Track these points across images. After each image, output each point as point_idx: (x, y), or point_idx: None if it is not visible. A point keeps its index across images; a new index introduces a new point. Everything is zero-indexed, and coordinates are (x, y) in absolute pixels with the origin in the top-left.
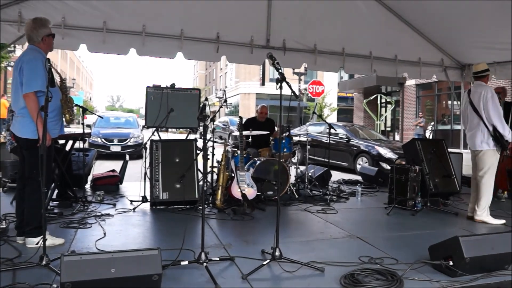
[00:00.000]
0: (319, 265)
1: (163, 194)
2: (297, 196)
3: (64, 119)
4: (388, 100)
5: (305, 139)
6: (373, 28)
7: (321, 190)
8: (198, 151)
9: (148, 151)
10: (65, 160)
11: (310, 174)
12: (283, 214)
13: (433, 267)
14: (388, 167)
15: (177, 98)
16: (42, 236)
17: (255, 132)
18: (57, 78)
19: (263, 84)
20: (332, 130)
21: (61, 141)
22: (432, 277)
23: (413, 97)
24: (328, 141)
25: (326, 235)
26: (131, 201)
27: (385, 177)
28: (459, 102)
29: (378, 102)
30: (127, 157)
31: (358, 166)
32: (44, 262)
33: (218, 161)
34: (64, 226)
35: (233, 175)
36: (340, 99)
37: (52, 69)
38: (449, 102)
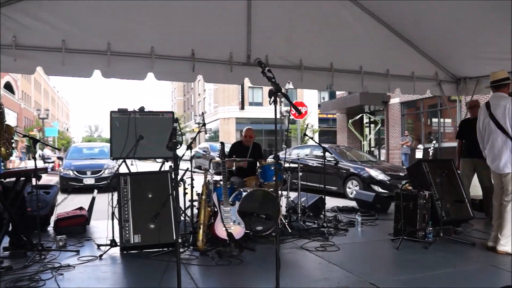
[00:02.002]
0: None
1: (135, 236)
2: (290, 230)
3: None
4: (374, 119)
5: (294, 164)
6: (363, 41)
7: (315, 221)
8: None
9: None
10: (15, 200)
11: (302, 203)
12: (274, 254)
13: None
14: (381, 190)
15: (147, 124)
16: None
17: (240, 160)
18: None
19: (242, 108)
20: (318, 153)
21: (11, 179)
22: None
23: (398, 116)
24: (320, 165)
25: (333, 282)
26: (98, 246)
27: (383, 202)
28: (445, 120)
29: (364, 121)
30: (95, 192)
31: (348, 190)
32: None
33: (198, 194)
34: (11, 287)
35: (216, 210)
36: (321, 120)
37: None
38: (434, 120)
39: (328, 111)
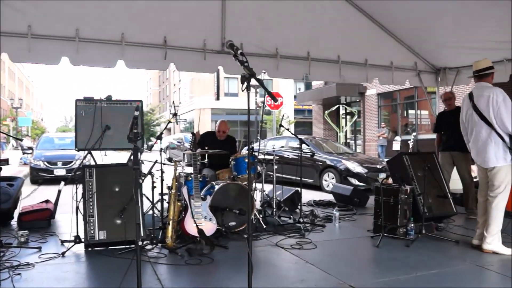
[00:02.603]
0: None
1: (100, 233)
2: (264, 226)
3: None
4: (351, 110)
5: (269, 156)
6: (341, 29)
7: (291, 216)
8: (143, 177)
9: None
10: None
11: (277, 197)
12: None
13: None
14: (357, 183)
15: (114, 113)
16: None
17: (212, 151)
18: None
19: (218, 98)
20: (294, 144)
21: None
22: None
23: (375, 107)
24: (296, 157)
25: (310, 284)
26: (62, 242)
27: (361, 196)
28: (421, 111)
29: (340, 113)
30: (62, 185)
31: (325, 183)
32: None
33: (168, 187)
34: None
35: (186, 205)
36: (296, 111)
37: None
38: (411, 111)
39: (304, 102)
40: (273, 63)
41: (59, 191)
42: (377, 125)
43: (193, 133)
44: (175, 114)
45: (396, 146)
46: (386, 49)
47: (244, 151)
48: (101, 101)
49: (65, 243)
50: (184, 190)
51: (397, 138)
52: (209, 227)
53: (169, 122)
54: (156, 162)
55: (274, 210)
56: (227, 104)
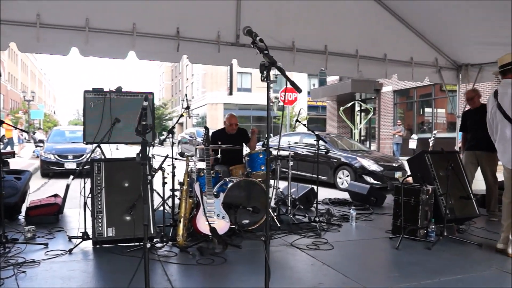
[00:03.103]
0: None
1: (108, 230)
2: (279, 225)
3: None
4: (366, 107)
5: (285, 152)
6: (360, 23)
7: (306, 214)
8: (153, 172)
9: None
10: None
11: (292, 194)
12: (262, 252)
13: None
14: (373, 181)
15: (124, 105)
16: None
17: (226, 146)
18: None
19: (230, 93)
20: (309, 141)
21: None
22: None
23: (390, 104)
24: (311, 154)
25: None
26: (70, 238)
27: (378, 195)
28: (437, 109)
29: (355, 109)
30: (70, 179)
31: (339, 180)
32: None
33: (180, 183)
34: None
35: (198, 202)
36: (310, 108)
37: None
38: (427, 109)
39: (318, 98)
40: (289, 57)
41: (68, 186)
42: (392, 122)
43: (206, 127)
44: (187, 108)
45: (412, 145)
46: (406, 44)
47: (259, 147)
48: (110, 92)
49: (72, 240)
50: (196, 187)
51: (414, 136)
52: (222, 225)
53: (181, 116)
54: (167, 156)
55: (289, 208)
56: (240, 99)
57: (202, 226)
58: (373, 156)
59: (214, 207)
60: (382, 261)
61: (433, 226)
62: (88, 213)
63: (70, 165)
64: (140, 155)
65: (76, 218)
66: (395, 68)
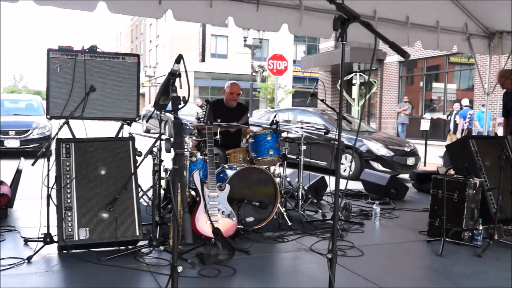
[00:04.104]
0: None
1: (81, 231)
2: (289, 223)
3: None
4: (370, 80)
5: (296, 134)
6: None
7: (320, 209)
8: (138, 157)
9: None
10: None
11: (303, 186)
12: (278, 259)
13: None
14: (381, 168)
15: (101, 70)
16: None
17: (227, 125)
18: None
19: (203, 60)
20: (306, 118)
21: None
22: None
23: (395, 77)
24: (311, 135)
25: None
26: (26, 241)
27: (400, 187)
28: (447, 85)
29: (355, 82)
30: (21, 162)
31: (341, 166)
32: None
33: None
34: None
35: (195, 196)
36: (295, 79)
37: None
38: (435, 85)
39: (310, 68)
40: (295, 16)
41: (19, 172)
42: (396, 99)
43: (207, 101)
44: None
45: (425, 126)
46: (431, 6)
47: (264, 126)
48: (83, 52)
49: (30, 243)
50: (196, 176)
51: (426, 115)
52: (228, 226)
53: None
54: (159, 138)
55: (301, 202)
56: (214, 67)
57: (203, 226)
58: (381, 138)
59: (218, 203)
60: (428, 271)
61: (481, 228)
62: (53, 209)
63: (12, 142)
64: (173, 141)
65: (31, 213)
66: (419, 34)
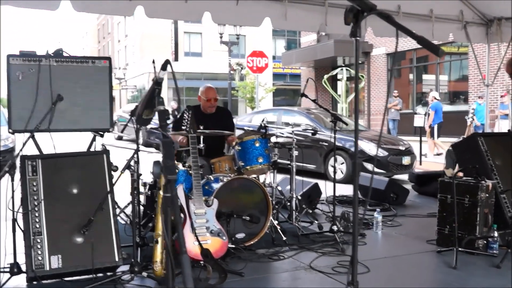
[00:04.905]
0: None
1: (52, 259)
2: (284, 238)
3: None
4: (359, 74)
5: (284, 138)
6: None
7: (316, 219)
8: (113, 172)
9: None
10: None
11: (296, 195)
12: (275, 281)
13: None
14: (375, 170)
15: (68, 76)
16: None
17: (210, 132)
18: None
19: (176, 59)
20: (291, 119)
21: None
22: None
23: (383, 71)
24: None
25: None
26: None
27: (399, 191)
28: (439, 77)
29: (340, 78)
30: None
31: (331, 169)
32: None
33: (145, 184)
34: None
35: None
36: (275, 76)
37: None
38: (426, 77)
39: (291, 64)
40: (278, 9)
41: None
42: (385, 93)
43: (188, 107)
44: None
45: (419, 122)
46: None
47: (247, 130)
48: (48, 57)
49: None
50: (180, 190)
51: (419, 110)
52: (218, 245)
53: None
54: (137, 150)
55: (295, 214)
56: (188, 66)
57: (190, 247)
58: (373, 137)
59: (206, 220)
60: (443, 286)
61: (496, 235)
62: (20, 235)
63: None
64: (163, 164)
65: None
66: (411, 23)
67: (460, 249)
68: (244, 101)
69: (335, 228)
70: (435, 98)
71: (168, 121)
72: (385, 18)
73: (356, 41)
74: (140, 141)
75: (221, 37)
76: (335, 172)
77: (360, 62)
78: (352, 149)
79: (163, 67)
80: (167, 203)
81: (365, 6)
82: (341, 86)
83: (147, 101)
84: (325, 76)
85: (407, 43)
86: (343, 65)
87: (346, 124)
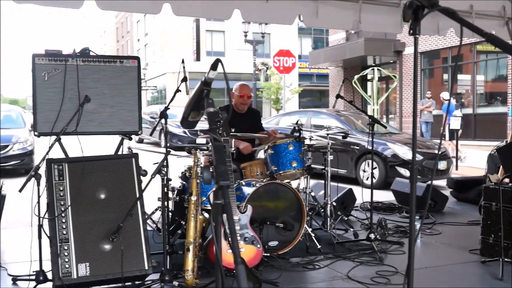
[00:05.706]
0: None
1: (79, 267)
2: (318, 246)
3: None
4: (389, 75)
5: (315, 141)
6: None
7: (351, 227)
8: (142, 176)
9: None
10: None
11: (332, 201)
12: None
13: None
14: (409, 174)
15: (96, 77)
16: None
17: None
18: None
19: (198, 59)
20: (321, 122)
21: None
22: None
23: (417, 71)
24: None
25: None
26: (15, 280)
27: (438, 197)
28: (476, 77)
29: (370, 78)
30: (3, 187)
31: (363, 174)
32: None
33: (173, 189)
34: None
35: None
36: (301, 76)
37: None
38: (461, 77)
39: (319, 63)
40: (310, 7)
41: (2, 197)
42: (419, 95)
43: (221, 108)
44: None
45: (455, 124)
46: None
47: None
48: (74, 56)
49: (19, 282)
50: (212, 197)
51: (457, 112)
52: (253, 254)
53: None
54: (168, 153)
55: (330, 221)
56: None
57: (223, 255)
58: (406, 140)
59: (240, 228)
60: None
61: None
62: (46, 241)
63: None
64: (215, 169)
65: (19, 245)
66: (450, 20)
67: (506, 259)
68: (269, 102)
69: (372, 236)
70: (444, 99)
71: (219, 124)
72: (450, 14)
73: (415, 38)
74: (162, 143)
75: (245, 36)
76: (372, 177)
77: (391, 61)
78: (385, 153)
79: (213, 67)
80: (218, 210)
81: (426, 1)
82: (371, 86)
83: (194, 102)
84: (356, 77)
85: (441, 41)
86: (374, 64)
87: (385, 127)
